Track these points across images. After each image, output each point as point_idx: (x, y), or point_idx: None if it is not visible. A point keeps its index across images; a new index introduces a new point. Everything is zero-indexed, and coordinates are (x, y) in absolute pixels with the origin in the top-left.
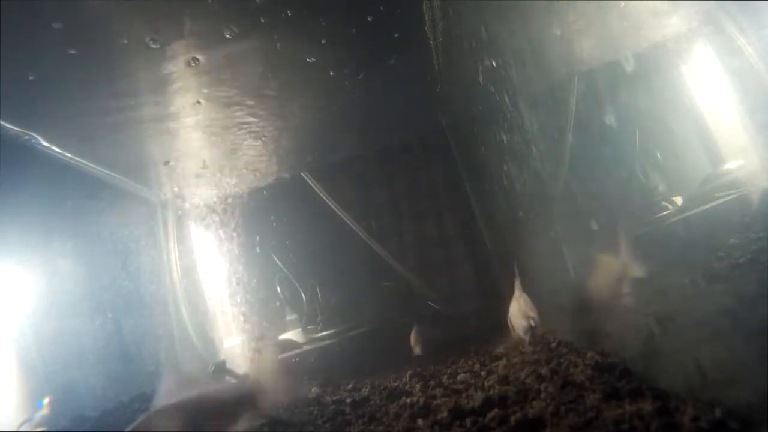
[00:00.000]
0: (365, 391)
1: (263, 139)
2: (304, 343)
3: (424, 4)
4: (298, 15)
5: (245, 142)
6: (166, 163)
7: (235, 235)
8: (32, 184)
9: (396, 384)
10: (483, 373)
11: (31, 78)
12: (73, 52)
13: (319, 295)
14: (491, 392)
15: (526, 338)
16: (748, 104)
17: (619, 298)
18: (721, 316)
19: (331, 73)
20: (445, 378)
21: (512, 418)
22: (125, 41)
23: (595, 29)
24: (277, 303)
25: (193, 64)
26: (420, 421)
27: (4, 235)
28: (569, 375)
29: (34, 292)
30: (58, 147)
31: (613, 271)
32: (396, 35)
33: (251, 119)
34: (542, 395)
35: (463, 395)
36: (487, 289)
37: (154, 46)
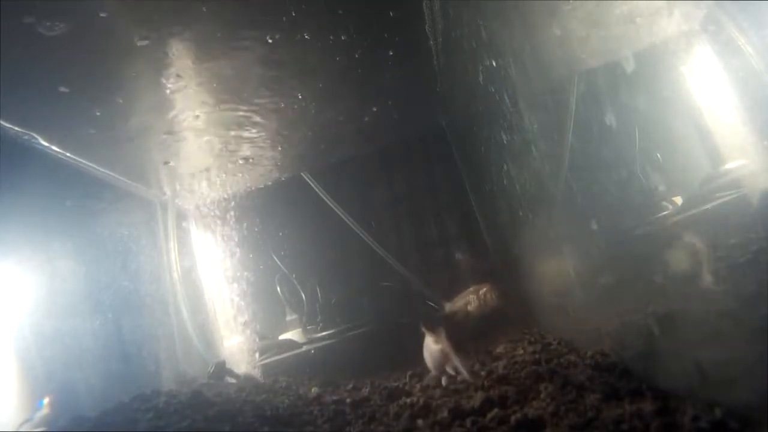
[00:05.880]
0: (365, 391)
1: (263, 139)
2: (304, 343)
3: (424, 4)
4: (296, 17)
5: (245, 142)
6: (166, 163)
7: (235, 235)
8: (32, 184)
9: (396, 384)
10: (483, 373)
11: (31, 78)
12: (73, 52)
13: (319, 295)
14: (491, 392)
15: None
16: (748, 104)
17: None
18: (721, 316)
19: (331, 74)
20: (444, 378)
21: (512, 418)
22: (126, 42)
23: (595, 29)
24: (277, 303)
25: (193, 65)
26: (420, 421)
27: (4, 235)
28: (569, 375)
29: (34, 292)
30: (58, 147)
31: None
32: (396, 35)
33: (251, 119)
34: (542, 395)
35: (463, 395)
36: None
37: (154, 47)
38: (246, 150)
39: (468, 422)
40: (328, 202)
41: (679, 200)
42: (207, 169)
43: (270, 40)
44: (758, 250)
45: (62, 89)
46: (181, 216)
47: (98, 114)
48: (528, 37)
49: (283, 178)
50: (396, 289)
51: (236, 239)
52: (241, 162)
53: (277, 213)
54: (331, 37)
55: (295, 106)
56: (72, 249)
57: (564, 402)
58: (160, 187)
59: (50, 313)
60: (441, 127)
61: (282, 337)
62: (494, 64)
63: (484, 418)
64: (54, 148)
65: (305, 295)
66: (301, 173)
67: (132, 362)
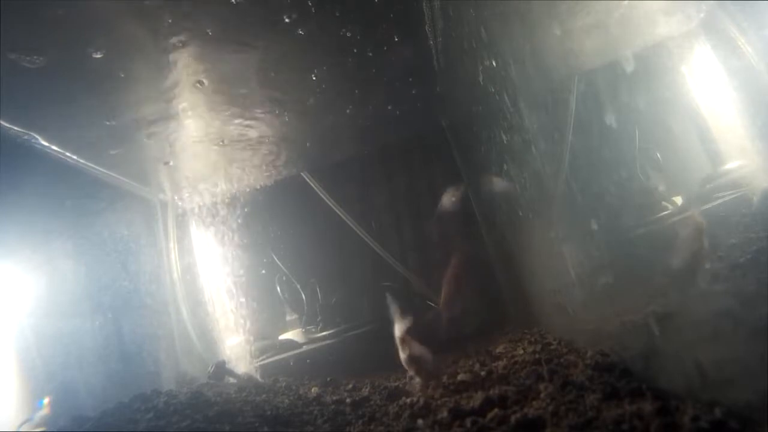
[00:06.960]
0: (365, 391)
1: (263, 139)
2: (304, 343)
3: (424, 4)
4: (296, 17)
5: (245, 142)
6: (166, 163)
7: (235, 235)
8: (32, 184)
9: (396, 384)
10: (483, 373)
11: (31, 77)
12: (73, 52)
13: (319, 295)
14: (491, 392)
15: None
16: (748, 104)
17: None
18: (721, 316)
19: (331, 74)
20: (445, 378)
21: (512, 418)
22: (125, 42)
23: (595, 29)
24: (277, 303)
25: (193, 65)
26: (420, 421)
27: (4, 235)
28: (569, 375)
29: (34, 292)
30: (58, 147)
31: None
32: (396, 35)
33: (251, 120)
34: (542, 395)
35: (463, 395)
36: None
37: (154, 47)
38: (246, 150)
39: (468, 422)
40: (328, 202)
41: (679, 200)
42: (207, 169)
43: (270, 41)
44: (758, 250)
45: (63, 89)
46: (181, 216)
47: (98, 114)
48: (528, 37)
49: (283, 178)
50: (396, 289)
51: (236, 239)
52: (241, 162)
53: (277, 213)
54: (331, 38)
55: (295, 106)
56: (72, 249)
57: (564, 402)
58: (160, 187)
59: (50, 313)
60: (441, 127)
61: (282, 337)
62: (494, 64)
63: (484, 418)
64: (54, 148)
65: (305, 295)
66: (301, 173)
67: (132, 362)
